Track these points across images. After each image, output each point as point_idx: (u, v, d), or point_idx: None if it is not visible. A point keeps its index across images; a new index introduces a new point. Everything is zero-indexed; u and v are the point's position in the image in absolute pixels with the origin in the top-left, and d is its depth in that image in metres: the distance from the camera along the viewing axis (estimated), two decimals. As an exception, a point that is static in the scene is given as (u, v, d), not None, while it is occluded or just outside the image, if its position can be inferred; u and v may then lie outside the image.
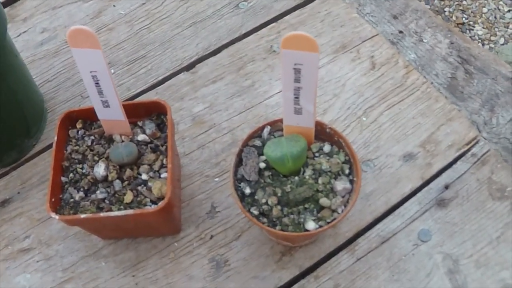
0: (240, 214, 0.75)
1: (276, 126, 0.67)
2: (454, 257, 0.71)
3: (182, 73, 0.88)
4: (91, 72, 0.62)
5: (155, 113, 0.71)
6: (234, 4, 0.94)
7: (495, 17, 1.62)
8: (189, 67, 0.88)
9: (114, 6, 0.95)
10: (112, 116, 0.67)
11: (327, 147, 0.66)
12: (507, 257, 0.70)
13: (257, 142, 0.67)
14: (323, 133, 0.67)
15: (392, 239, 0.72)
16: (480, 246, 0.71)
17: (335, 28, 0.90)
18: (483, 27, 1.59)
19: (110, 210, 0.64)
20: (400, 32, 0.91)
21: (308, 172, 0.63)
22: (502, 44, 1.56)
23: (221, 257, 0.72)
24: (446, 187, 0.76)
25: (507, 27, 1.60)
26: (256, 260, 0.72)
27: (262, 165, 0.65)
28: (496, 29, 1.60)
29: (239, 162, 0.66)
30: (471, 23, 1.59)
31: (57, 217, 0.63)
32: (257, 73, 0.87)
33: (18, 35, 0.93)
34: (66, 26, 0.94)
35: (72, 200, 0.66)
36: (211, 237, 0.74)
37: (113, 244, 0.74)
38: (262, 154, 0.65)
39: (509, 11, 1.63)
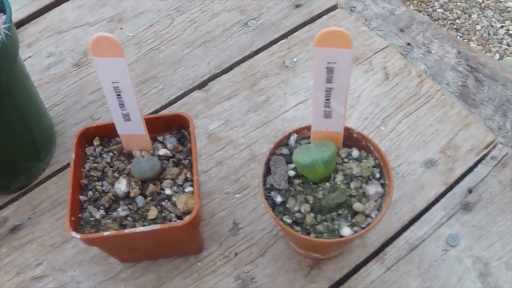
0: (265, 229, 0.72)
1: (302, 134, 0.66)
2: (484, 260, 0.69)
3: (195, 92, 0.86)
4: (113, 83, 0.60)
5: (175, 127, 0.69)
6: (243, 22, 0.94)
7: (489, 34, 1.65)
8: (202, 85, 0.87)
9: (121, 28, 0.94)
10: (132, 130, 0.65)
11: (355, 152, 0.65)
12: (538, 257, 0.69)
13: (284, 151, 0.65)
14: (350, 138, 0.65)
15: (421, 246, 0.71)
16: (509, 248, 0.70)
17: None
18: (478, 44, 1.61)
19: (134, 227, 0.62)
20: (408, 44, 0.91)
21: (339, 177, 0.62)
22: (498, 60, 1.58)
23: (247, 275, 0.70)
24: (470, 191, 0.75)
25: (501, 43, 1.63)
26: (284, 276, 0.69)
27: (291, 173, 0.63)
28: (491, 45, 1.62)
29: (267, 171, 0.64)
30: (465, 40, 1.62)
31: (78, 236, 0.60)
32: (271, 89, 0.86)
33: (24, 60, 0.91)
34: (73, 50, 0.92)
35: (92, 219, 0.63)
36: (236, 254, 0.71)
37: (132, 267, 0.71)
38: (290, 162, 0.64)
39: (501, 27, 1.66)
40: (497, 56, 1.61)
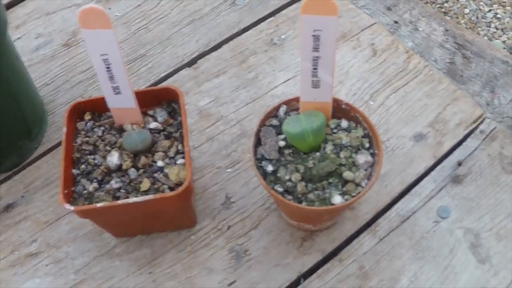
0: (257, 202, 0.73)
1: (291, 105, 0.67)
2: (475, 231, 0.70)
3: (184, 69, 0.87)
4: (102, 55, 0.60)
5: (165, 101, 0.69)
6: (231, 1, 0.95)
7: (477, 17, 1.66)
8: (191, 63, 0.87)
9: (109, 9, 0.94)
10: (123, 103, 0.65)
11: (344, 123, 0.65)
12: (526, 227, 0.70)
13: (274, 122, 0.66)
14: (338, 110, 0.66)
15: (412, 218, 0.72)
16: (499, 219, 0.71)
17: (333, 20, 0.90)
18: (466, 27, 1.62)
19: (127, 198, 0.62)
20: (396, 22, 0.92)
21: (329, 147, 0.62)
22: (486, 43, 1.60)
23: (241, 247, 0.70)
24: (459, 164, 0.76)
25: (489, 26, 1.64)
26: (277, 248, 0.70)
27: (282, 143, 0.64)
28: (479, 29, 1.63)
29: (257, 142, 0.65)
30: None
31: (72, 208, 0.60)
32: (260, 65, 0.86)
33: (13, 41, 0.91)
34: (62, 30, 0.92)
35: (85, 191, 0.64)
36: (229, 227, 0.72)
37: (126, 242, 0.72)
38: (280, 133, 0.64)
39: (489, 10, 1.67)
40: (485, 39, 1.62)
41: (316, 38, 0.56)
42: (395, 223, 0.71)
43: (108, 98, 0.65)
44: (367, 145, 0.64)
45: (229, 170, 0.76)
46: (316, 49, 0.57)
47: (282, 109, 0.66)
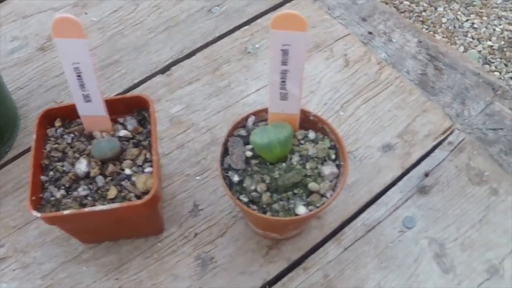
0: (224, 210, 0.74)
1: (260, 116, 0.67)
2: (440, 241, 0.71)
3: (158, 76, 0.87)
4: (73, 64, 0.61)
5: (136, 109, 0.70)
6: (207, 8, 0.95)
7: (454, 27, 1.68)
8: (164, 70, 0.88)
9: (86, 13, 0.94)
10: (93, 111, 0.66)
11: (312, 134, 0.66)
12: (490, 238, 0.71)
13: (242, 132, 0.66)
14: (306, 121, 0.67)
15: (378, 227, 0.73)
16: (464, 230, 0.72)
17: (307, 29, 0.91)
18: (443, 37, 1.64)
19: (94, 206, 0.63)
20: (370, 33, 0.93)
21: (295, 158, 0.63)
22: (463, 52, 1.61)
23: (207, 255, 0.71)
24: (426, 174, 0.77)
25: (466, 36, 1.66)
26: (243, 256, 0.71)
27: (249, 153, 0.64)
28: (456, 38, 1.65)
29: (224, 152, 0.65)
30: (431, 33, 1.65)
31: (38, 214, 0.61)
32: (233, 74, 0.87)
33: (-13, 44, 0.91)
34: (37, 34, 0.93)
35: (53, 198, 0.64)
36: (195, 235, 0.72)
37: (93, 248, 0.72)
38: (248, 144, 0.65)
39: (467, 20, 1.69)
40: (461, 48, 1.64)
41: (285, 52, 0.57)
42: (360, 232, 0.72)
43: (79, 105, 0.65)
44: (333, 156, 0.65)
45: (198, 177, 0.77)
46: (284, 63, 0.58)
47: (251, 120, 0.67)
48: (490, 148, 0.80)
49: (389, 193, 0.75)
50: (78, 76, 0.62)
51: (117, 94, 0.85)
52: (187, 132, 0.81)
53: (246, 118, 0.67)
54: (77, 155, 0.66)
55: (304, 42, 0.56)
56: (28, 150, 0.80)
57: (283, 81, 0.60)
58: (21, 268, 0.71)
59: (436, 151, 0.79)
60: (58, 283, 0.70)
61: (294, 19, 0.54)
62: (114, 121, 0.69)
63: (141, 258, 0.71)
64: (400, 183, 0.76)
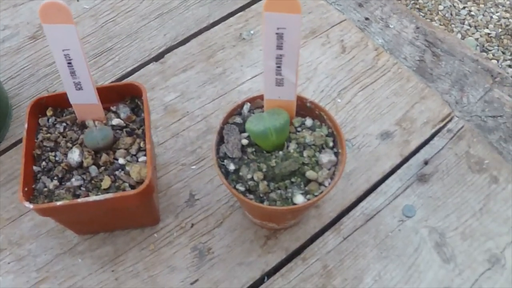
0: (221, 200, 0.73)
1: (255, 103, 0.66)
2: (440, 230, 0.70)
3: (151, 64, 0.86)
4: (63, 50, 0.59)
5: (129, 97, 0.69)
6: (201, -6, 0.94)
7: (451, 14, 1.66)
8: (158, 57, 0.87)
9: (77, 1, 0.93)
10: (85, 99, 0.64)
11: (309, 121, 0.65)
12: (491, 227, 0.70)
13: (238, 120, 0.65)
14: (303, 108, 0.66)
15: (377, 217, 0.72)
16: (464, 219, 0.71)
17: (303, 15, 0.90)
18: (440, 24, 1.63)
19: (88, 196, 0.61)
20: (366, 19, 0.91)
21: (292, 146, 0.62)
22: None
23: (204, 245, 0.70)
24: (426, 162, 0.76)
25: (463, 23, 1.65)
26: (241, 246, 0.70)
27: (245, 141, 0.63)
28: (453, 25, 1.64)
29: (220, 140, 0.64)
30: (428, 20, 1.63)
31: (31, 206, 0.59)
32: (228, 61, 0.86)
33: (-22, 33, 0.90)
34: (29, 22, 0.91)
35: (46, 189, 0.63)
36: (192, 225, 0.71)
37: (89, 240, 0.71)
38: (244, 131, 0.64)
39: (464, 8, 1.68)
40: (459, 36, 1.63)
41: (280, 36, 0.55)
42: (359, 221, 0.71)
43: (70, 93, 0.64)
44: (331, 144, 0.64)
45: (193, 167, 0.76)
46: (279, 47, 0.56)
47: (246, 107, 0.66)
48: (489, 135, 0.79)
49: (388, 181, 0.74)
50: (69, 63, 0.60)
51: (111, 83, 0.83)
52: (182, 120, 0.80)
53: (241, 105, 0.66)
54: (69, 144, 0.65)
55: (299, 25, 0.55)
56: (20, 141, 0.79)
57: (279, 66, 0.59)
58: (16, 260, 0.70)
59: (435, 138, 0.78)
60: (53, 275, 0.69)
61: (288, 2, 0.52)
62: (107, 110, 0.68)
63: (137, 250, 0.70)
64: (399, 171, 0.75)
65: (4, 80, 0.85)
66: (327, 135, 0.64)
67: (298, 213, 0.66)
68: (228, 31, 0.89)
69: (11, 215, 0.73)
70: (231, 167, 0.62)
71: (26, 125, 0.65)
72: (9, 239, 0.71)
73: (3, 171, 0.76)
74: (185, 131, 0.79)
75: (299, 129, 0.65)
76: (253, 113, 0.66)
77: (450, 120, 0.79)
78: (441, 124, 0.79)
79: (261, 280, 0.68)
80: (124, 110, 0.67)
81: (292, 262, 0.69)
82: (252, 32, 0.88)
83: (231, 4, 0.92)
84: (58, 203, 0.60)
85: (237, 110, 0.66)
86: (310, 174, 0.61)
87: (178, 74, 0.85)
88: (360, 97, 0.81)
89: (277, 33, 0.55)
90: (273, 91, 0.61)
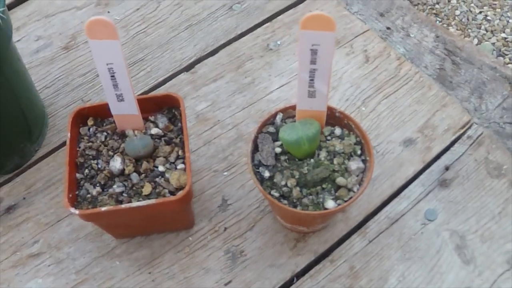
0: (252, 205, 0.76)
1: (287, 113, 0.69)
2: (461, 233, 0.73)
3: (182, 74, 0.89)
4: (107, 64, 0.62)
5: (166, 107, 0.72)
6: (228, 6, 0.97)
7: (468, 19, 1.69)
8: (189, 67, 0.90)
9: (108, 12, 0.96)
10: (126, 110, 0.67)
11: (338, 130, 0.68)
12: (509, 230, 0.73)
13: (271, 129, 0.68)
14: (332, 117, 0.69)
15: (401, 220, 0.75)
16: (484, 222, 0.74)
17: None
18: (456, 29, 1.65)
19: (130, 202, 0.65)
20: (388, 28, 0.94)
21: (323, 154, 0.65)
22: (477, 45, 1.62)
23: (236, 248, 0.73)
24: (447, 168, 0.79)
25: (480, 28, 1.67)
26: (272, 249, 0.73)
27: (278, 150, 0.66)
28: (469, 30, 1.66)
29: (255, 148, 0.67)
30: (444, 25, 1.65)
31: (77, 212, 0.63)
32: (256, 71, 0.89)
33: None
34: (61, 33, 0.94)
35: (89, 195, 0.66)
36: (225, 229, 0.75)
37: (126, 243, 0.74)
38: (277, 140, 0.67)
39: (480, 12, 1.70)
40: (475, 41, 1.65)
41: (314, 52, 0.59)
42: (384, 225, 0.74)
43: (112, 105, 0.67)
44: (359, 152, 0.67)
45: (225, 173, 0.79)
46: (313, 62, 0.60)
47: (279, 117, 0.69)
48: (508, 141, 0.81)
49: (411, 186, 0.77)
50: (112, 76, 0.64)
51: (143, 93, 0.87)
52: (213, 128, 0.83)
53: (274, 115, 0.69)
54: (111, 153, 0.68)
55: (333, 42, 0.58)
56: (57, 148, 0.82)
57: (312, 80, 0.62)
58: (55, 263, 0.73)
59: (456, 145, 0.81)
60: (92, 277, 0.72)
61: (323, 20, 0.56)
62: (145, 119, 0.71)
63: (172, 252, 0.73)
64: (421, 177, 0.78)
65: (40, 89, 0.88)
66: (355, 144, 0.67)
67: (329, 217, 0.70)
68: (255, 41, 0.92)
69: (50, 219, 0.76)
70: (266, 174, 0.65)
71: (68, 134, 0.68)
72: (48, 243, 0.75)
73: (41, 177, 0.80)
74: (217, 139, 0.82)
75: (329, 137, 0.68)
76: (285, 122, 0.69)
77: (469, 127, 0.82)
78: (461, 131, 0.82)
79: (290, 281, 0.71)
80: (162, 120, 0.70)
81: (321, 263, 0.72)
82: (279, 42, 0.92)
83: (258, 15, 0.95)
84: (103, 208, 0.63)
85: (270, 120, 0.69)
86: (340, 180, 0.64)
87: (209, 84, 0.88)
88: (383, 105, 0.84)
89: (311, 49, 0.58)
90: (305, 102, 0.65)
